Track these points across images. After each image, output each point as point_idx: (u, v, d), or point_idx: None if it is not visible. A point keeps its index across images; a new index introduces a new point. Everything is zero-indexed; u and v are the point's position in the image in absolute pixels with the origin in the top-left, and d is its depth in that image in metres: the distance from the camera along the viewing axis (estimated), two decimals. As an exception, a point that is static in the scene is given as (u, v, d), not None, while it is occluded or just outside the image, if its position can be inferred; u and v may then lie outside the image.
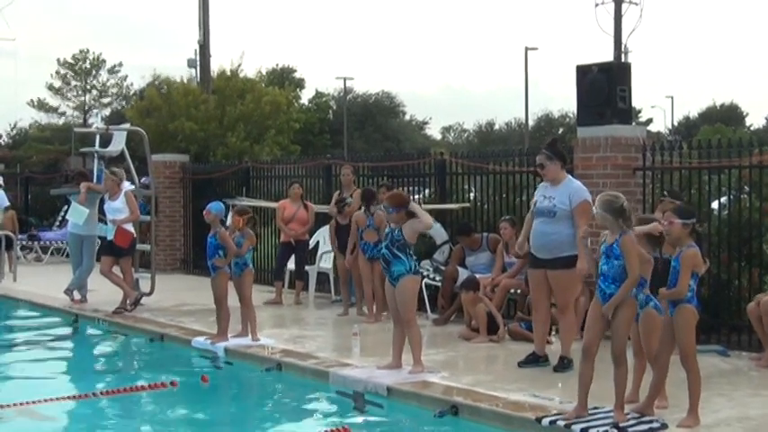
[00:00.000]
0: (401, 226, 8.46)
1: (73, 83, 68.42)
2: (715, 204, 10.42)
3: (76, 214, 13.53)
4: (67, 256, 16.60)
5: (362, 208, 11.92)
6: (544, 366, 8.68)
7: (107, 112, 65.41)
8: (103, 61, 68.60)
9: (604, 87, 10.54)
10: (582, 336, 7.20)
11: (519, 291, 10.98)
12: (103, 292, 13.51)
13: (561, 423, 6.56)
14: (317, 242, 14.10)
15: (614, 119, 10.48)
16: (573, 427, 6.46)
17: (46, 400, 8.08)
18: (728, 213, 10.07)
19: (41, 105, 68.81)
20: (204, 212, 10.34)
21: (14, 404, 8.02)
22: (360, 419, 7.52)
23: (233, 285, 10.38)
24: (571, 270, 8.47)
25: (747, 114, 75.26)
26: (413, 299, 8.67)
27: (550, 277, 8.65)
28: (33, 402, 8.01)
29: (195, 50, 31.10)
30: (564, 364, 8.55)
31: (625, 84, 10.63)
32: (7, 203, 19.28)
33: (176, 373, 9.24)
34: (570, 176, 8.99)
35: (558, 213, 8.55)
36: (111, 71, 68.98)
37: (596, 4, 38.98)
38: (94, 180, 14.03)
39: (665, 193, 9.61)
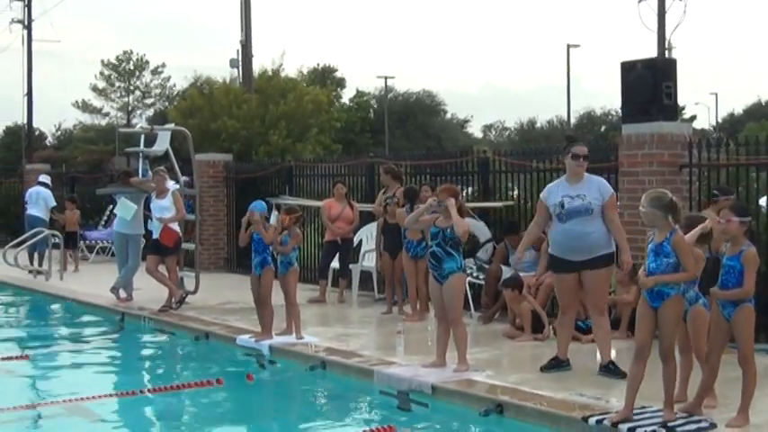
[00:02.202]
0: (452, 224, 8.44)
1: (117, 84, 69.22)
2: (763, 201, 10.28)
3: (124, 209, 13.67)
4: (113, 255, 16.80)
5: (405, 206, 11.90)
6: (567, 370, 8.46)
7: (150, 112, 66.04)
8: (147, 62, 69.37)
9: (649, 83, 10.44)
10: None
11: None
12: (149, 291, 13.64)
13: (608, 423, 6.50)
14: (361, 240, 14.12)
15: (660, 115, 10.38)
16: (620, 426, 6.41)
17: (94, 398, 8.18)
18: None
19: (86, 106, 69.71)
20: (248, 213, 10.36)
21: (63, 401, 8.14)
22: (404, 418, 7.51)
23: (277, 283, 10.42)
24: (608, 268, 8.36)
25: (793, 110, 74.21)
26: (461, 297, 8.68)
27: (589, 278, 8.35)
28: (81, 399, 8.11)
29: (237, 50, 31.34)
30: (610, 370, 8.23)
31: (670, 80, 10.52)
32: (54, 203, 19.55)
33: (221, 371, 9.31)
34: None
35: (594, 210, 8.28)
36: (155, 72, 69.70)
37: (639, 0, 38.68)
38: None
39: (715, 192, 9.40)
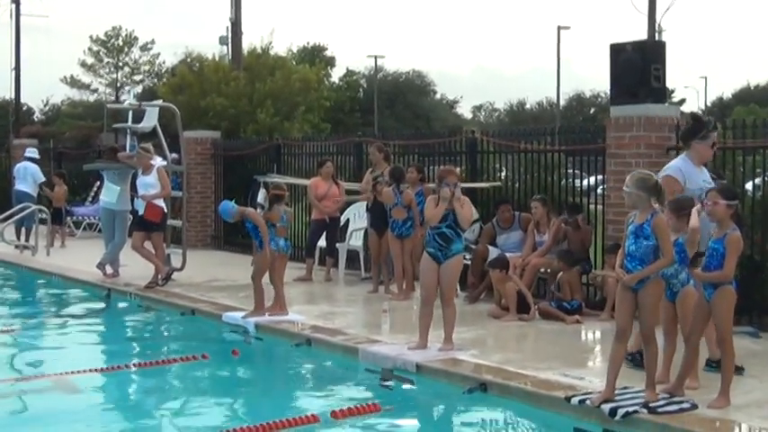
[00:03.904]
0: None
1: (105, 60, 68.84)
2: (749, 185, 10.33)
3: (109, 193, 13.70)
4: (100, 231, 16.77)
5: (392, 186, 11.91)
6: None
7: (139, 89, 65.75)
8: (136, 38, 68.98)
9: (638, 66, 10.46)
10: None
11: (549, 270, 10.96)
12: (135, 267, 13.62)
13: (590, 403, 6.55)
14: (348, 219, 14.13)
15: (648, 98, 10.40)
16: (602, 406, 6.45)
17: (79, 372, 8.18)
18: (763, 194, 9.98)
19: (74, 82, 69.33)
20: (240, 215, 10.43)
21: (48, 375, 8.17)
22: (388, 396, 7.54)
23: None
24: None
25: (783, 95, 74.35)
26: (458, 278, 8.81)
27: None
28: (67, 374, 8.12)
29: (227, 28, 31.22)
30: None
31: (659, 62, 10.54)
32: (43, 178, 19.48)
33: (207, 348, 9.32)
34: None
35: None
36: (144, 48, 69.33)
37: (630, -17, 38.68)
38: (127, 156, 14.15)
39: (712, 175, 9.36)
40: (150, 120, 14.15)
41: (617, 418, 6.31)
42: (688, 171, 7.66)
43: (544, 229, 11.29)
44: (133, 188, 13.77)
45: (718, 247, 6.57)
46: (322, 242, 13.84)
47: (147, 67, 69.53)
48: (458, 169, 13.64)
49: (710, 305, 6.61)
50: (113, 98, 65.54)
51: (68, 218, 21.20)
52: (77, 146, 30.22)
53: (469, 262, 11.80)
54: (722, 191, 6.75)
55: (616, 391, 6.60)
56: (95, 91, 69.61)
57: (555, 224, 11.14)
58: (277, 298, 10.32)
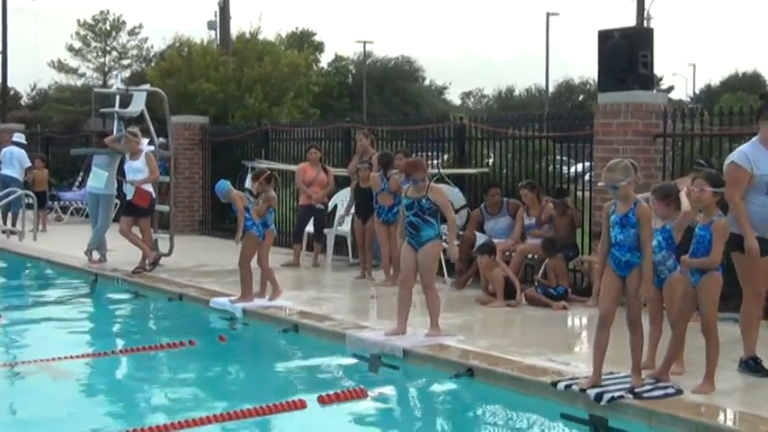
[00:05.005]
0: (428, 195, 8.45)
1: (93, 44, 68.32)
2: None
3: (97, 178, 13.67)
4: (87, 216, 16.72)
5: (379, 171, 11.91)
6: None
7: (127, 73, 65.38)
8: (123, 23, 68.48)
9: (626, 52, 10.47)
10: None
11: (536, 256, 10.98)
12: (122, 253, 13.60)
13: (576, 388, 6.58)
14: (335, 205, 14.13)
15: (635, 85, 10.41)
16: (588, 391, 6.47)
17: (65, 358, 8.18)
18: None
19: (61, 66, 68.80)
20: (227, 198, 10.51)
21: (35, 360, 8.14)
22: (375, 381, 7.56)
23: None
24: None
25: (770, 83, 74.48)
26: (435, 263, 8.75)
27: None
28: (53, 359, 8.11)
29: (215, 12, 31.09)
30: (750, 367, 7.19)
31: (647, 49, 10.55)
32: (29, 163, 19.40)
33: (194, 333, 9.31)
34: None
35: None
36: (132, 33, 68.88)
37: (620, -31, 38.63)
38: (114, 141, 14.09)
39: (702, 161, 9.32)
40: (137, 104, 14.11)
41: (603, 402, 6.34)
42: (756, 156, 7.16)
43: (533, 213, 11.30)
44: (120, 173, 13.73)
45: (705, 234, 6.61)
46: (310, 228, 13.83)
47: (135, 52, 69.03)
48: (445, 156, 13.69)
49: (697, 291, 6.64)
50: (101, 83, 65.22)
51: (55, 203, 21.14)
52: (65, 131, 30.12)
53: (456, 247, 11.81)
54: (709, 177, 6.79)
55: (602, 377, 6.63)
56: (83, 75, 69.16)
57: (543, 203, 11.16)
58: (273, 282, 10.37)
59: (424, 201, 8.45)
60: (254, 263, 10.38)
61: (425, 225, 8.45)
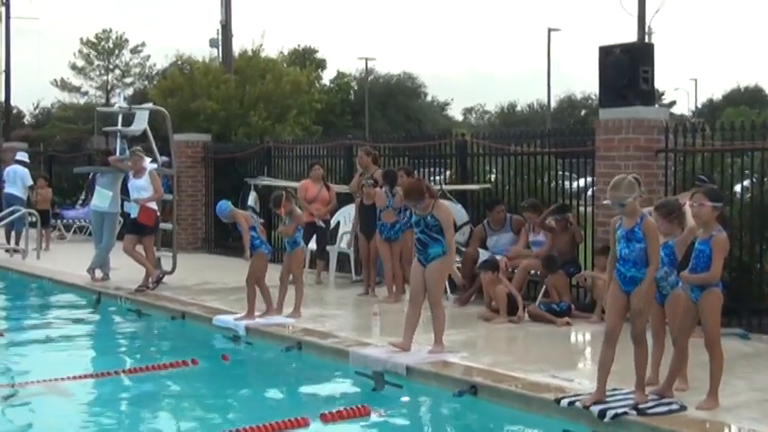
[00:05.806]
0: (433, 212, 8.48)
1: (96, 62, 68.60)
2: (738, 187, 10.35)
3: (101, 197, 13.70)
4: (90, 234, 16.73)
5: (384, 188, 11.91)
6: None
7: (129, 91, 65.55)
8: (126, 41, 68.78)
9: (627, 68, 10.47)
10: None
11: (539, 272, 10.97)
12: (126, 271, 13.60)
13: (580, 405, 6.56)
14: (338, 222, 14.12)
15: (637, 100, 10.42)
16: (592, 408, 6.46)
17: (69, 378, 8.17)
18: (751, 196, 10.00)
19: (64, 85, 69.06)
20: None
21: (38, 381, 8.13)
22: (379, 399, 7.54)
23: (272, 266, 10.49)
24: None
25: (772, 97, 74.54)
26: (443, 280, 8.78)
27: None
28: (56, 380, 8.10)
29: (217, 30, 31.15)
30: None
31: (648, 64, 10.55)
32: (31, 182, 19.43)
33: (197, 352, 9.30)
34: None
35: None
36: (134, 51, 69.15)
37: (620, -16, 38.70)
38: (117, 160, 14.12)
39: (703, 177, 9.32)
40: (140, 123, 14.14)
41: (606, 419, 6.33)
42: None
43: (539, 229, 11.30)
44: (123, 191, 13.75)
45: (705, 249, 6.60)
46: (312, 245, 13.82)
47: (137, 70, 69.34)
48: (448, 172, 13.69)
49: (698, 307, 6.64)
50: (104, 101, 65.38)
51: (59, 221, 21.16)
52: (68, 149, 30.17)
53: (460, 264, 11.81)
54: (708, 192, 6.79)
55: (606, 393, 6.62)
56: (86, 94, 69.44)
57: (544, 214, 11.14)
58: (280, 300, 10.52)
59: (429, 218, 8.48)
60: (273, 280, 10.42)
61: (433, 242, 8.48)
